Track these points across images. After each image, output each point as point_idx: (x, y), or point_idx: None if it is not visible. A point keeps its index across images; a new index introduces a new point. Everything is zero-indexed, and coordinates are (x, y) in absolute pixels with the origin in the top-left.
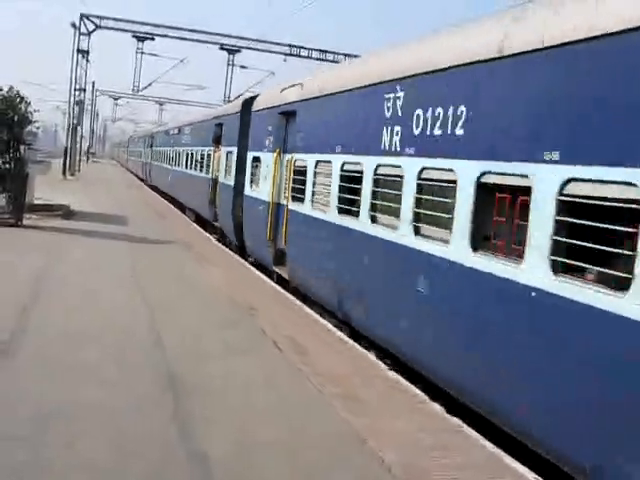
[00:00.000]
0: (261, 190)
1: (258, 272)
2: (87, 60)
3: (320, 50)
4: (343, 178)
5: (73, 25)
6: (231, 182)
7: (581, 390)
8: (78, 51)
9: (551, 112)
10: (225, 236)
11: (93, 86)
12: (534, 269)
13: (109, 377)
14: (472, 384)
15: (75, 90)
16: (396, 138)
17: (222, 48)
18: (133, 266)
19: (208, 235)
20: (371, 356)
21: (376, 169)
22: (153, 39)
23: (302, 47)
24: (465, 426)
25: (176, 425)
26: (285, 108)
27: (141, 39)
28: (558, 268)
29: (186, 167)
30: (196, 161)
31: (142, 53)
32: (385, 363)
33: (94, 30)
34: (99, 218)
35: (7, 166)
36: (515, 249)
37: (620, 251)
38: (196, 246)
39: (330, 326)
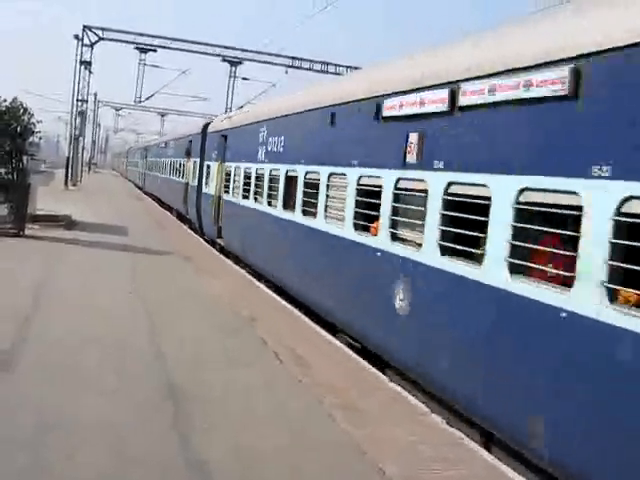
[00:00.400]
0: (210, 188)
1: (258, 282)
2: (89, 71)
3: (322, 62)
4: (247, 177)
5: (76, 37)
6: (195, 184)
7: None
8: (81, 62)
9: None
10: (192, 223)
11: (95, 97)
12: None
13: (109, 386)
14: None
15: (77, 101)
16: (264, 153)
17: (224, 60)
18: (133, 276)
19: (209, 246)
20: (372, 368)
21: (266, 171)
22: (155, 51)
23: (303, 59)
24: (466, 438)
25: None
26: (223, 132)
27: (143, 50)
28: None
29: (168, 174)
30: (175, 169)
31: (144, 64)
32: (385, 374)
33: (97, 42)
34: (100, 228)
35: (10, 176)
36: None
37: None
38: (196, 257)
39: (330, 337)
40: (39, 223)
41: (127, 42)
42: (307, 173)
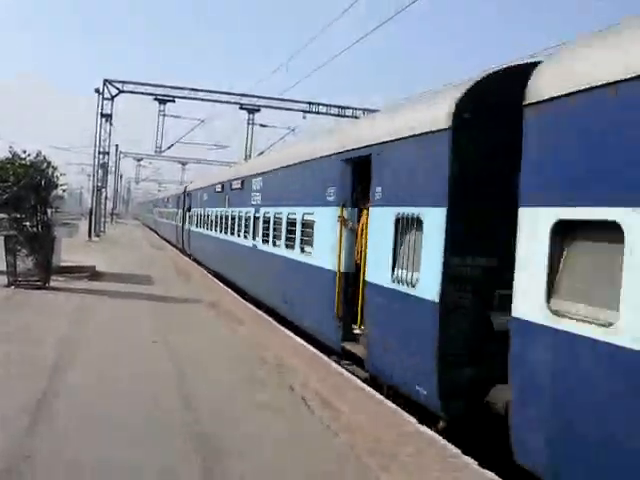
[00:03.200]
0: (187, 225)
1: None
2: (110, 124)
3: (338, 106)
4: (199, 217)
5: (97, 90)
6: (183, 225)
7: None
8: (101, 115)
9: None
10: (185, 251)
11: (117, 148)
12: None
13: (139, 437)
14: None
15: (99, 153)
16: (205, 202)
17: (242, 108)
18: (159, 326)
19: (231, 291)
20: (403, 412)
21: (212, 212)
22: (174, 101)
23: (320, 104)
24: (498, 479)
25: None
26: (189, 192)
27: (162, 101)
28: None
29: (170, 220)
30: (173, 216)
31: (164, 115)
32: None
33: (117, 95)
34: (124, 279)
35: (35, 229)
36: None
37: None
38: (219, 302)
39: (359, 382)
40: (64, 275)
41: (146, 94)
42: (228, 212)
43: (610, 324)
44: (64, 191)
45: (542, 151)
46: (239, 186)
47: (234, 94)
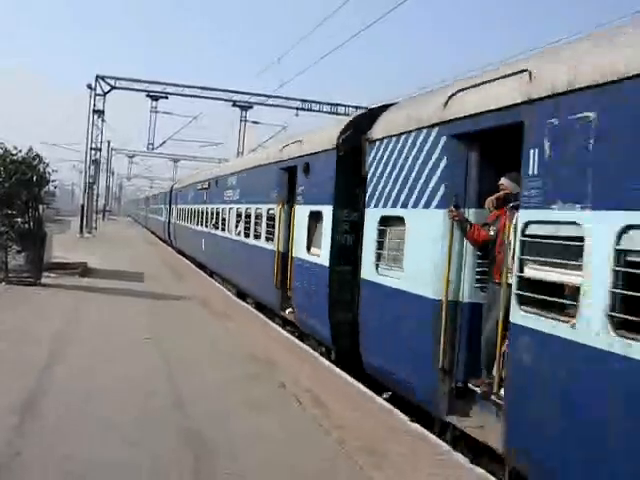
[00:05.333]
0: (173, 219)
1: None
2: (103, 120)
3: (331, 104)
4: (182, 212)
5: (89, 86)
6: (169, 220)
7: None
8: (94, 112)
9: None
10: (171, 244)
11: (109, 145)
12: None
13: (129, 434)
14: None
15: (91, 149)
16: (190, 199)
17: (234, 105)
18: (150, 323)
19: (222, 288)
20: (396, 411)
21: (191, 208)
22: (167, 98)
23: (313, 101)
24: (490, 477)
25: None
26: (174, 190)
27: (155, 98)
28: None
29: (158, 215)
30: (161, 212)
31: (156, 112)
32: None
33: (109, 91)
34: (115, 275)
35: (26, 226)
36: None
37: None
38: (210, 300)
39: (350, 379)
40: (55, 271)
41: (139, 90)
42: (202, 207)
43: (399, 277)
44: (55, 187)
45: (370, 172)
46: (206, 186)
47: (227, 91)
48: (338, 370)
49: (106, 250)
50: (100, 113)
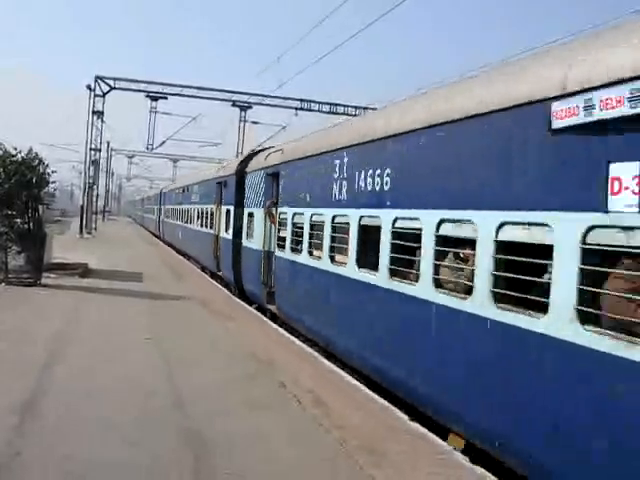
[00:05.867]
0: (161, 218)
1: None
2: (102, 120)
3: (330, 104)
4: (167, 211)
5: (88, 87)
6: (160, 218)
7: None
8: (93, 112)
9: None
10: (160, 237)
11: (108, 145)
12: None
13: (129, 433)
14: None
15: (91, 150)
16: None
17: (234, 105)
18: (150, 323)
19: (222, 288)
20: (396, 410)
21: (175, 207)
22: (166, 98)
23: (312, 101)
24: (491, 476)
25: None
26: (163, 192)
27: (154, 98)
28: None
29: (151, 214)
30: (153, 211)
31: (156, 112)
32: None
33: (109, 91)
34: (115, 276)
35: (26, 226)
36: None
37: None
38: (210, 300)
39: (350, 378)
40: (55, 272)
41: (138, 91)
42: (183, 207)
43: (252, 242)
44: (55, 189)
45: (246, 188)
46: (181, 192)
47: (226, 91)
48: (338, 370)
49: (106, 250)
50: (99, 114)
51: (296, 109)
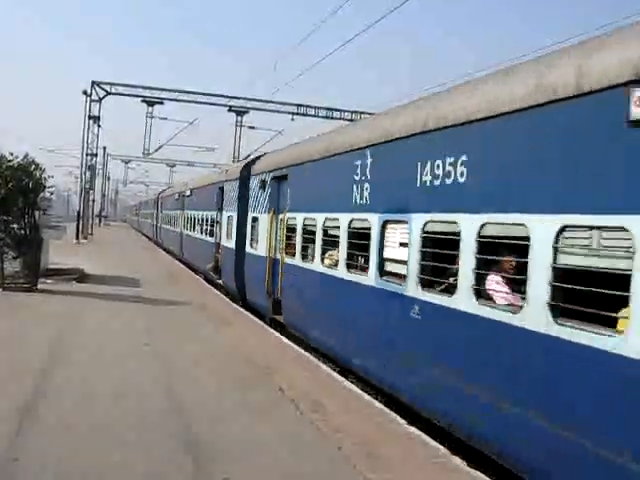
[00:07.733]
0: (159, 223)
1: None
2: (98, 126)
3: (327, 108)
4: (165, 216)
5: (84, 92)
6: (157, 223)
7: None
8: (89, 117)
9: None
10: (157, 242)
11: (104, 151)
12: None
13: (127, 438)
14: None
15: (87, 155)
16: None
17: (230, 110)
18: (148, 328)
19: (219, 293)
20: (394, 414)
21: (172, 213)
22: (162, 103)
23: (309, 106)
24: (487, 479)
25: None
26: (160, 198)
27: (151, 103)
28: None
29: (148, 219)
30: (149, 216)
31: (152, 117)
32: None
33: (105, 96)
34: (112, 281)
35: (22, 232)
36: None
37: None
38: (208, 304)
39: (348, 383)
40: (52, 277)
41: (134, 96)
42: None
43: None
44: (51, 194)
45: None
46: (177, 198)
47: (223, 96)
48: (336, 374)
49: (102, 255)
50: (96, 119)
51: (292, 114)
